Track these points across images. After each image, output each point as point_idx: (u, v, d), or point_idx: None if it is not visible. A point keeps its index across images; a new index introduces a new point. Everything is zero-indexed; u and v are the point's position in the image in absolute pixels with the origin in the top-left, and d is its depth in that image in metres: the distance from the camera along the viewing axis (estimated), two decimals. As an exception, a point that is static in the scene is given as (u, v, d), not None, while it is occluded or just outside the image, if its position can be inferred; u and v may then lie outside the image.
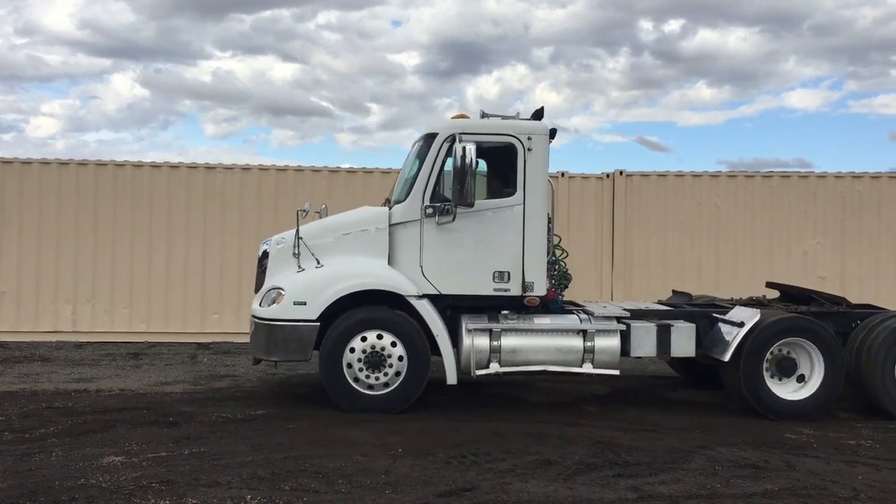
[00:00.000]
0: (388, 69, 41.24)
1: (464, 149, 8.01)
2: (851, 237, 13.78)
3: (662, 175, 14.07)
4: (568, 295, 9.26)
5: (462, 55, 42.65)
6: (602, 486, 5.93)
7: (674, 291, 10.84)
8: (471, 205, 8.19)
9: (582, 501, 5.61)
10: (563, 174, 13.94)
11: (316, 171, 13.90)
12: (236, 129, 44.63)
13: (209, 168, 13.79)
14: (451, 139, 8.32)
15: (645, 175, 14.08)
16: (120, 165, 13.65)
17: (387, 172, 13.94)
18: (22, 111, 42.59)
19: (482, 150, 8.32)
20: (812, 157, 48.84)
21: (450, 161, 8.29)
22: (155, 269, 13.46)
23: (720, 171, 14.26)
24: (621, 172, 14.01)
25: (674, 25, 40.27)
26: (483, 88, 45.02)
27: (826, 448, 7.23)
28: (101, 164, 13.60)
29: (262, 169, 13.90)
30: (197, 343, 13.14)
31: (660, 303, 10.06)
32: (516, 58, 43.04)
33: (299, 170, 13.91)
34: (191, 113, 45.12)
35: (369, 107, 43.10)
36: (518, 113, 8.88)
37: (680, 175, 14.07)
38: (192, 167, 13.77)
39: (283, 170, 13.89)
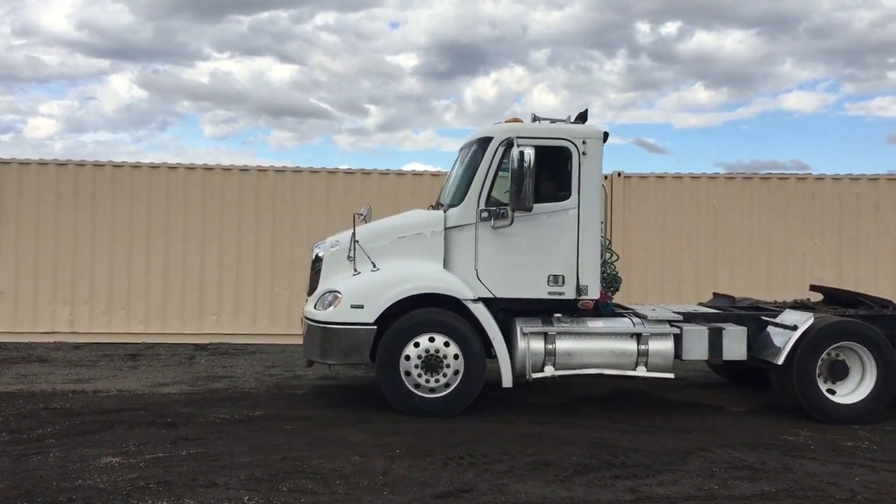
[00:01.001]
0: (385, 71, 41.30)
1: (522, 153, 8.05)
2: (849, 239, 13.79)
3: (661, 177, 14.07)
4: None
5: (460, 57, 42.72)
6: (599, 488, 5.93)
7: (714, 294, 10.84)
8: (529, 209, 8.21)
9: (579, 502, 5.61)
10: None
11: (314, 172, 13.90)
12: (234, 130, 44.68)
13: (207, 169, 13.77)
14: (507, 143, 8.36)
15: (643, 177, 14.09)
16: (118, 166, 13.64)
17: (385, 174, 13.95)
18: (20, 112, 42.62)
19: (536, 154, 8.27)
20: (810, 160, 48.94)
21: (505, 165, 8.33)
22: (153, 270, 13.45)
23: (718, 173, 14.28)
24: (619, 174, 14.01)
25: (671, 28, 40.37)
26: (481, 90, 45.12)
27: (823, 450, 7.24)
28: (98, 165, 13.58)
29: (261, 170, 13.89)
30: (195, 344, 13.13)
31: (701, 305, 10.07)
32: (514, 60, 43.13)
33: (297, 171, 13.90)
34: (189, 114, 45.18)
35: (368, 108, 43.14)
36: (569, 116, 8.91)
37: (678, 177, 14.08)
38: (191, 168, 13.75)
39: (282, 171, 13.89)
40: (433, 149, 46.10)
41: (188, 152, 50.13)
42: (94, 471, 6.04)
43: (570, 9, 39.67)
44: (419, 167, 15.12)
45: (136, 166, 13.69)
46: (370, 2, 39.76)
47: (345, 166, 14.22)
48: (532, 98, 43.60)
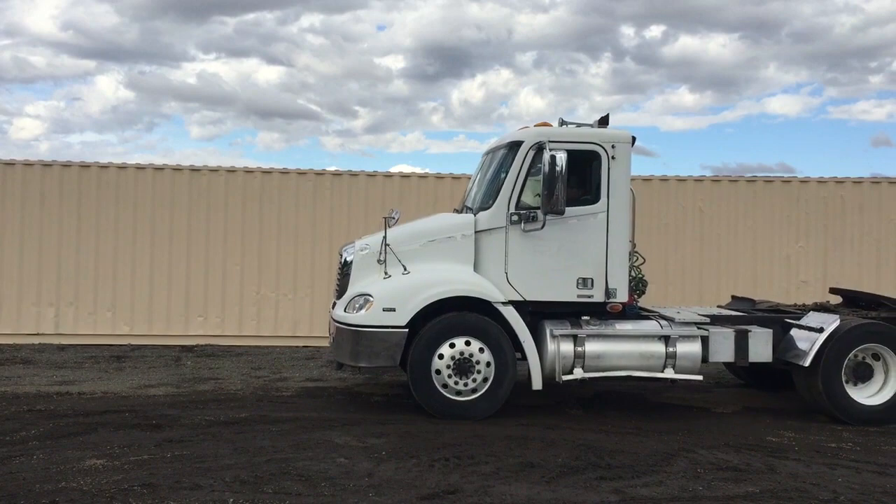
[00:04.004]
0: (373, 73, 41.29)
1: (553, 157, 8.09)
2: (834, 241, 13.88)
3: (647, 179, 14.12)
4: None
5: (446, 59, 42.80)
6: (585, 489, 5.95)
7: (733, 297, 10.91)
8: (561, 212, 8.25)
9: (564, 504, 5.63)
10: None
11: (301, 173, 13.88)
12: (222, 131, 44.57)
13: (194, 170, 13.73)
14: (537, 147, 8.42)
15: (630, 179, 14.08)
16: (104, 167, 13.57)
17: (372, 175, 13.95)
18: (6, 112, 42.36)
19: (570, 158, 8.27)
20: (794, 163, 49.28)
21: (535, 169, 8.38)
22: (139, 271, 13.39)
23: (704, 176, 14.34)
24: (606, 176, 14.02)
25: (655, 31, 40.61)
26: (468, 92, 45.19)
27: (807, 451, 7.29)
28: (84, 166, 13.52)
29: (248, 171, 13.85)
30: (181, 346, 13.08)
31: (720, 308, 10.13)
32: (500, 62, 43.25)
33: (285, 172, 13.88)
34: (176, 115, 45.03)
35: (356, 110, 43.14)
36: (596, 121, 8.96)
37: (665, 179, 14.14)
38: (177, 169, 13.71)
39: (269, 172, 13.86)
40: (420, 151, 46.19)
41: (175, 153, 50.04)
42: (78, 473, 6.01)
43: (555, 12, 39.85)
44: (406, 169, 15.12)
45: (123, 167, 13.63)
46: (355, 4, 39.82)
47: (332, 168, 14.22)
48: (518, 101, 43.76)
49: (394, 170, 14.25)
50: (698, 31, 39.69)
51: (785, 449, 7.35)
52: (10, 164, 13.38)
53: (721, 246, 13.90)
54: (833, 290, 10.61)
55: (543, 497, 5.74)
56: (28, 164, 13.41)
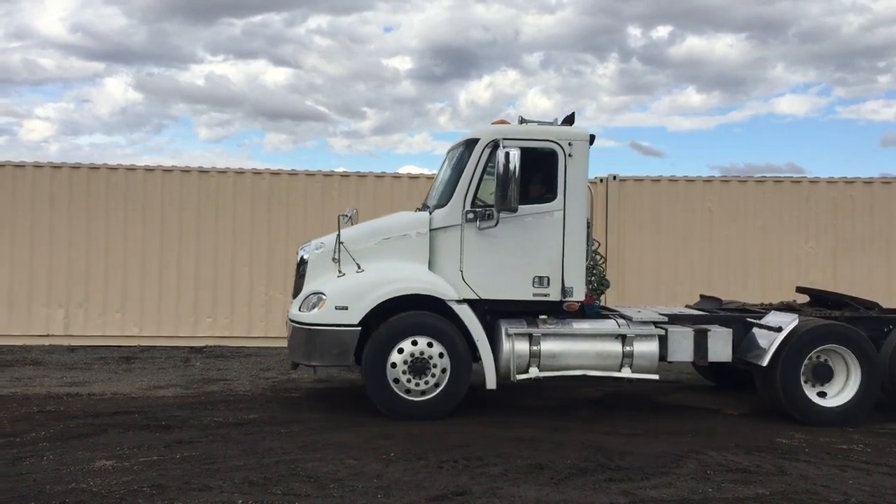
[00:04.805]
0: (380, 74, 41.33)
1: (507, 154, 8.05)
2: (844, 242, 13.81)
3: (656, 180, 14.10)
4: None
5: (453, 60, 42.83)
6: (594, 491, 5.94)
7: (701, 296, 10.86)
8: (514, 210, 8.21)
9: (573, 506, 5.62)
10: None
11: (310, 174, 13.90)
12: (230, 132, 44.71)
13: (203, 172, 13.77)
14: (493, 145, 8.36)
15: (638, 179, 14.11)
16: (113, 169, 13.63)
17: (380, 176, 13.97)
18: (16, 114, 42.55)
19: (522, 156, 8.27)
20: (803, 163, 49.14)
21: (491, 166, 8.33)
22: (148, 272, 13.43)
23: (713, 176, 14.30)
24: (614, 177, 14.03)
25: (662, 32, 40.52)
26: (475, 93, 45.20)
27: (817, 453, 7.25)
28: (94, 168, 13.57)
29: (256, 173, 13.88)
30: (190, 347, 13.12)
31: (688, 307, 10.08)
32: (507, 63, 43.25)
33: (293, 174, 13.90)
34: (184, 117, 45.20)
35: (364, 111, 43.18)
36: (556, 119, 8.92)
37: (673, 180, 14.10)
38: (186, 171, 13.75)
39: (277, 174, 13.88)
40: (428, 151, 46.24)
41: (183, 155, 50.25)
42: (88, 474, 6.03)
43: (562, 13, 39.82)
44: (415, 170, 15.15)
45: (132, 169, 13.68)
46: (362, 5, 39.88)
47: (340, 169, 14.25)
48: (526, 101, 43.71)
49: (402, 171, 14.28)
50: (705, 31, 39.64)
51: (795, 451, 7.31)
52: (20, 165, 13.44)
53: (730, 247, 13.84)
54: (800, 290, 10.53)
55: (552, 498, 5.73)
56: (38, 166, 13.47)
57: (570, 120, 8.89)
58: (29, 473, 6.03)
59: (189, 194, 13.62)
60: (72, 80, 41.91)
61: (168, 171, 13.73)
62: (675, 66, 40.80)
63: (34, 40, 39.10)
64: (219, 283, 13.53)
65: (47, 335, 13.22)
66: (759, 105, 42.41)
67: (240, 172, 13.85)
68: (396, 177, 14.06)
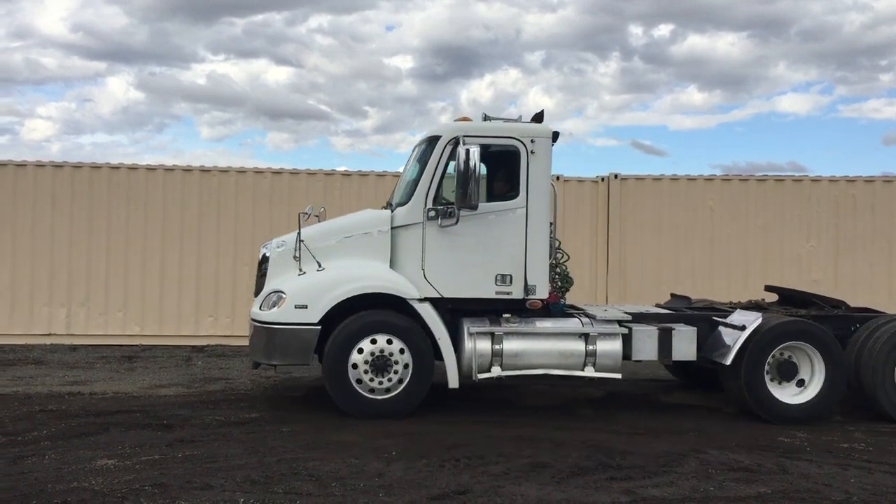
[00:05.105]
0: (381, 73, 41.33)
1: (467, 151, 8.01)
2: (845, 241, 13.80)
3: (657, 178, 14.09)
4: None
5: (455, 59, 42.81)
6: (595, 490, 5.94)
7: (672, 295, 10.83)
8: (474, 207, 8.17)
9: (575, 504, 5.62)
10: (557, 178, 13.94)
11: (311, 174, 13.90)
12: (232, 131, 44.70)
13: (204, 171, 13.77)
14: (454, 142, 8.30)
15: (640, 178, 14.10)
16: (115, 168, 13.62)
17: (382, 175, 13.96)
18: (18, 114, 42.56)
19: (484, 153, 8.27)
20: (805, 161, 48.97)
21: (452, 164, 8.28)
22: (150, 271, 13.43)
23: (715, 175, 14.30)
24: (616, 176, 14.03)
25: (663, 30, 40.47)
26: (476, 92, 45.16)
27: (819, 451, 7.25)
28: (95, 167, 13.57)
29: (258, 172, 13.89)
30: (191, 346, 13.13)
31: (658, 306, 10.06)
32: (508, 62, 43.22)
33: (295, 173, 13.90)
34: (186, 116, 45.17)
35: (366, 110, 43.19)
36: (520, 116, 8.87)
37: (675, 178, 14.09)
38: (188, 170, 13.74)
39: (279, 173, 13.89)
40: (429, 150, 45.97)
41: (185, 154, 50.22)
42: (90, 473, 6.04)
43: (563, 11, 39.78)
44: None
45: (133, 168, 13.68)
46: (363, 4, 39.85)
47: (342, 168, 14.24)
48: (527, 100, 43.74)
49: (403, 169, 14.23)
50: (706, 29, 39.57)
51: (797, 449, 7.31)
52: (22, 165, 13.45)
53: (732, 245, 13.83)
54: (768, 288, 10.50)
55: (554, 497, 5.73)
56: (40, 166, 13.47)
57: (538, 118, 8.82)
58: (30, 472, 6.04)
59: (191, 193, 13.62)
60: (73, 79, 41.94)
61: (170, 170, 13.72)
62: (677, 65, 40.80)
63: (36, 40, 39.12)
64: (220, 282, 13.53)
65: (49, 334, 13.22)
66: (761, 104, 42.39)
67: (241, 171, 13.85)
68: (398, 175, 14.02)
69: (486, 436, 7.44)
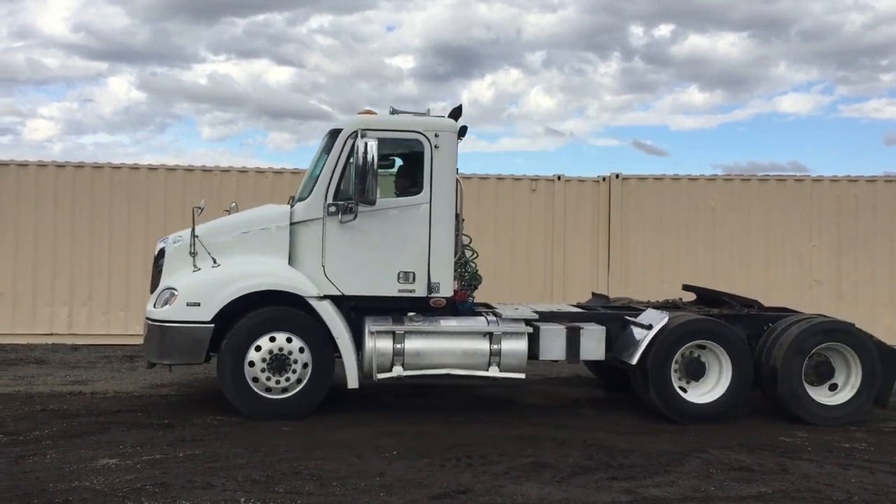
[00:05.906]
0: (383, 73, 41.32)
1: (365, 144, 7.83)
2: (847, 241, 13.78)
3: (659, 178, 14.08)
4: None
5: (455, 59, 42.75)
6: (596, 489, 5.94)
7: (593, 294, 10.81)
8: (372, 202, 7.98)
9: (576, 504, 5.62)
10: (559, 177, 13.97)
11: (312, 173, 13.88)
12: (233, 131, 44.66)
13: (206, 170, 13.78)
14: (355, 135, 8.09)
15: (641, 178, 14.10)
16: (116, 168, 13.64)
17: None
18: (19, 114, 42.56)
19: (390, 148, 8.12)
20: (806, 161, 48.88)
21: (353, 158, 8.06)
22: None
23: (716, 175, 14.30)
24: (617, 176, 14.02)
25: (664, 30, 40.40)
26: (478, 92, 45.09)
27: (820, 451, 7.24)
28: (97, 167, 13.58)
29: (259, 172, 13.90)
30: (193, 345, 13.10)
31: (577, 305, 9.99)
32: (509, 62, 43.15)
33: (296, 172, 13.86)
34: (187, 116, 45.14)
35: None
36: (429, 110, 8.67)
37: (676, 178, 14.09)
38: (189, 170, 13.76)
39: (280, 172, 13.90)
40: (431, 150, 46.00)
41: (187, 154, 50.13)
42: (91, 472, 6.04)
43: (564, 11, 39.71)
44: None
45: (135, 168, 13.69)
46: (364, 4, 39.82)
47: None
48: (528, 100, 43.64)
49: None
50: (707, 29, 39.49)
51: (798, 449, 7.31)
52: (24, 165, 13.45)
53: (733, 245, 13.82)
54: (686, 287, 10.43)
55: (555, 497, 5.73)
56: (42, 165, 13.48)
57: (456, 112, 8.67)
58: (32, 471, 6.05)
59: (192, 193, 13.57)
60: (75, 79, 41.92)
61: (171, 169, 13.73)
62: (678, 65, 40.74)
63: (37, 40, 39.11)
64: (222, 281, 13.51)
65: (51, 333, 13.22)
66: (762, 104, 42.31)
67: (243, 171, 13.87)
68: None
69: (487, 435, 7.44)
